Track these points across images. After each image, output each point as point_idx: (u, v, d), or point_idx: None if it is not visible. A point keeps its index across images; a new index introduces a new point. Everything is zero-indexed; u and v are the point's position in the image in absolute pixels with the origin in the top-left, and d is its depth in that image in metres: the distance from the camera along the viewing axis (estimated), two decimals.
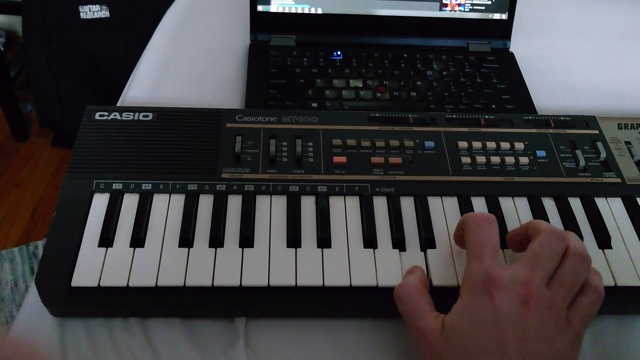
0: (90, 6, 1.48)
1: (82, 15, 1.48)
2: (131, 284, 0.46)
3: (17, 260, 1.42)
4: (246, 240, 0.49)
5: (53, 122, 1.63)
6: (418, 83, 0.72)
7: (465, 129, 0.59)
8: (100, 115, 0.57)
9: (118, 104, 0.70)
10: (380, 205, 0.52)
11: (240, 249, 0.48)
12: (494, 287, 0.40)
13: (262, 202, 0.52)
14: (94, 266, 0.46)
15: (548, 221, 0.52)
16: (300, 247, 0.49)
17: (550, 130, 0.59)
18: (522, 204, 0.54)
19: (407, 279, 0.46)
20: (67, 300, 0.46)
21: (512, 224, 0.52)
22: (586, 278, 0.44)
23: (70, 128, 1.61)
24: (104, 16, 1.49)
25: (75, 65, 1.53)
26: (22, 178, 1.65)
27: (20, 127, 1.73)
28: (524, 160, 0.56)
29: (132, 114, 0.57)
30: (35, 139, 1.76)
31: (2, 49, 1.87)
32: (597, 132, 0.60)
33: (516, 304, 0.40)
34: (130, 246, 0.48)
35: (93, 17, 1.48)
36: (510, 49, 0.79)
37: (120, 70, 1.51)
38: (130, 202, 0.51)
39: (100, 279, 0.46)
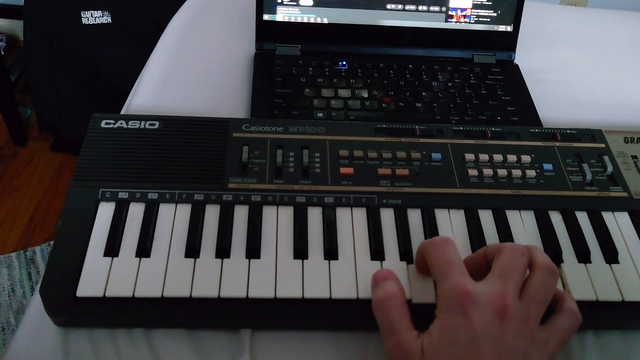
0: (92, 12, 1.48)
1: (84, 21, 1.48)
2: (137, 295, 0.45)
3: (15, 265, 1.41)
4: (253, 251, 0.49)
5: (52, 126, 1.62)
6: (423, 94, 0.72)
7: (472, 141, 0.59)
8: (106, 124, 0.57)
9: (123, 111, 0.70)
10: (387, 217, 0.52)
11: (247, 259, 0.48)
12: (469, 301, 0.40)
13: (269, 213, 0.52)
14: (99, 276, 0.46)
15: (555, 235, 0.52)
16: (307, 258, 0.49)
17: (557, 144, 0.59)
18: (529, 217, 0.54)
19: (391, 289, 0.44)
20: (71, 310, 0.45)
21: (518, 237, 0.52)
22: (564, 302, 0.45)
23: (70, 133, 1.61)
24: (105, 22, 1.49)
25: (75, 71, 1.52)
26: (21, 183, 1.64)
27: (19, 131, 1.73)
28: (530, 173, 0.56)
29: (138, 122, 0.57)
30: (34, 144, 1.75)
31: (2, 53, 1.87)
32: (603, 145, 0.60)
33: (492, 318, 0.39)
34: (136, 256, 0.48)
35: (95, 22, 1.48)
36: (515, 61, 0.79)
37: (120, 76, 1.51)
38: (136, 212, 0.51)
39: (105, 289, 0.45)
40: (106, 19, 1.48)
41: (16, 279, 1.38)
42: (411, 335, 0.42)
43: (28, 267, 1.41)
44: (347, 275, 0.48)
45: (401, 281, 0.47)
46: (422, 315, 0.43)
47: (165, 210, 0.51)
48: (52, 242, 1.45)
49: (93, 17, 1.48)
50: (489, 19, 0.77)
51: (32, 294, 1.28)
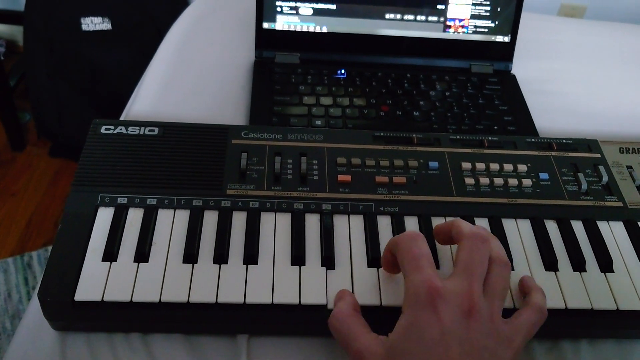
0: (92, 18, 1.48)
1: (84, 27, 1.48)
2: (135, 299, 0.46)
3: (11, 270, 1.41)
4: (250, 257, 0.49)
5: (51, 132, 1.62)
6: (421, 103, 0.73)
7: (469, 150, 0.59)
8: (106, 129, 0.57)
9: (122, 117, 0.70)
10: (384, 224, 0.53)
11: (245, 266, 0.48)
12: (438, 298, 0.40)
13: (267, 220, 0.52)
14: (98, 280, 0.46)
15: (550, 244, 0.52)
16: (304, 265, 0.49)
17: (553, 153, 0.60)
18: (525, 225, 0.54)
19: (338, 306, 0.45)
20: (69, 314, 0.46)
21: (515, 246, 0.52)
22: (531, 296, 0.45)
23: (68, 138, 1.61)
24: (105, 28, 1.49)
25: (75, 77, 1.53)
26: (18, 188, 1.64)
27: (17, 136, 1.73)
28: (526, 182, 0.57)
29: (138, 128, 0.57)
30: (33, 149, 1.75)
31: (2, 58, 1.87)
32: (598, 155, 0.60)
33: (460, 316, 0.39)
34: (134, 261, 0.48)
35: (95, 29, 1.49)
36: (512, 71, 0.80)
37: (120, 82, 1.52)
38: (134, 217, 0.51)
39: (103, 293, 0.46)
40: (106, 25, 1.49)
41: (12, 284, 1.38)
42: (365, 338, 0.42)
43: (24, 272, 1.41)
44: (344, 282, 0.48)
45: (395, 289, 0.47)
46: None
47: (164, 216, 0.51)
48: (49, 248, 1.45)
49: (93, 23, 1.48)
50: (486, 30, 0.78)
51: (29, 299, 1.28)
